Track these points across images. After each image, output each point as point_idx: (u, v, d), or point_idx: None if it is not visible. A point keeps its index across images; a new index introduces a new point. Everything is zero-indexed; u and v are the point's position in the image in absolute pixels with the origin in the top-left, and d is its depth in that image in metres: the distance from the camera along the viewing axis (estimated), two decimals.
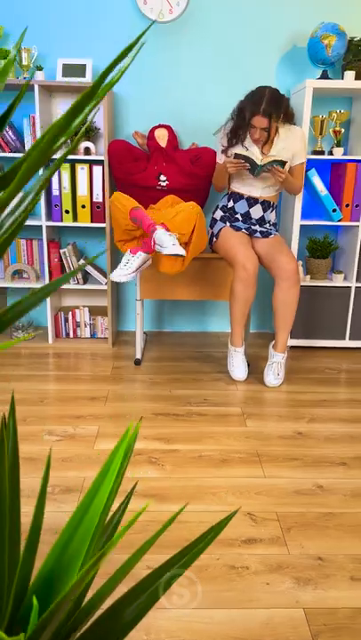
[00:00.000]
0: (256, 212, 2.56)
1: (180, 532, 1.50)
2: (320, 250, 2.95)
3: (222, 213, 2.61)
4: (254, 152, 2.40)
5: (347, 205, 2.80)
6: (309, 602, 1.26)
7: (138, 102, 2.95)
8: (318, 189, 2.78)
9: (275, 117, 2.32)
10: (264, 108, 2.29)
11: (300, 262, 2.97)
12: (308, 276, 2.96)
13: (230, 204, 2.59)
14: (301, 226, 3.02)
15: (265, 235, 2.57)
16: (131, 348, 3.00)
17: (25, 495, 1.66)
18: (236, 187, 2.57)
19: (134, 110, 2.96)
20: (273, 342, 2.58)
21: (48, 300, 2.94)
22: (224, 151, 2.50)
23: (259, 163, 2.32)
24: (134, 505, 1.62)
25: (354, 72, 2.65)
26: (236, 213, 2.58)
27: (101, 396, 2.37)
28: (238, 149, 2.38)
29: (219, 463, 1.85)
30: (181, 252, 2.23)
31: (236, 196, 2.57)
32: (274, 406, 2.32)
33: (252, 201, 2.55)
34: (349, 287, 2.92)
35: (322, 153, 2.81)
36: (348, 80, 2.64)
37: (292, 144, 2.44)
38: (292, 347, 3.03)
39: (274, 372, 2.53)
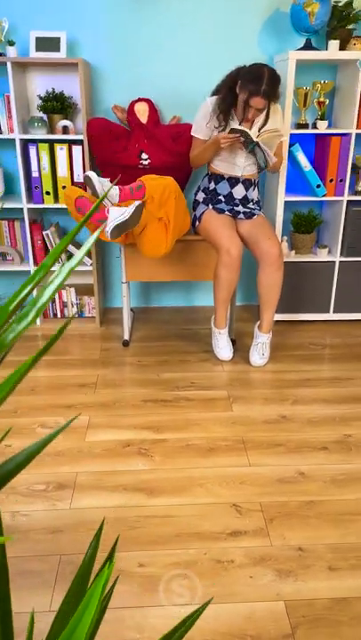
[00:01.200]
0: (238, 191, 2.54)
1: (170, 527, 1.59)
2: (304, 225, 2.94)
3: (204, 195, 2.58)
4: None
5: (331, 180, 2.78)
6: (290, 594, 1.36)
7: (116, 74, 2.84)
8: (302, 165, 2.74)
9: (272, 99, 2.27)
10: (265, 89, 2.22)
11: (285, 237, 2.97)
12: (293, 252, 2.97)
13: (212, 185, 2.56)
14: (286, 201, 2.99)
15: (248, 215, 2.55)
16: (118, 327, 3.03)
17: (17, 492, 1.73)
18: (217, 165, 2.53)
19: (112, 82, 2.86)
20: (258, 322, 2.62)
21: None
22: (221, 130, 2.43)
23: (255, 139, 2.28)
24: (128, 499, 1.70)
25: (338, 41, 2.56)
26: (219, 195, 2.55)
27: (91, 383, 2.42)
28: (234, 125, 2.33)
29: (206, 452, 1.93)
30: (110, 224, 2.27)
31: (218, 177, 2.54)
32: (259, 388, 2.39)
33: (233, 181, 2.52)
34: (334, 262, 2.94)
35: (306, 126, 2.76)
36: (333, 50, 2.56)
37: (272, 123, 2.39)
38: (278, 321, 3.08)
39: (259, 352, 2.58)
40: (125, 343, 2.82)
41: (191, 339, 2.90)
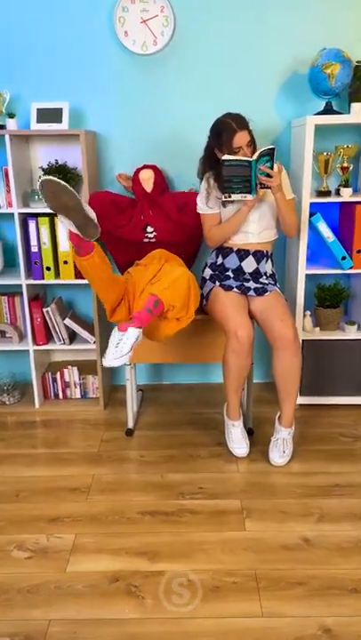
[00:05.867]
0: (249, 265, 2.28)
1: None
2: (330, 299, 2.64)
3: (211, 272, 2.34)
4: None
5: (358, 251, 2.49)
6: None
7: (122, 142, 2.68)
8: (325, 236, 2.47)
9: (249, 128, 2.14)
10: (236, 124, 2.11)
11: (308, 312, 2.67)
12: (318, 328, 2.66)
13: (219, 260, 2.32)
14: (307, 275, 2.67)
15: (260, 292, 2.27)
16: (124, 410, 2.74)
17: None
18: (231, 238, 2.29)
19: (118, 150, 2.70)
20: (278, 414, 2.29)
21: (32, 357, 2.69)
22: (225, 202, 2.22)
23: (252, 158, 2.06)
24: None
25: None
26: (227, 270, 2.30)
27: (84, 486, 2.12)
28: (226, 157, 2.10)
29: (208, 593, 1.59)
30: (111, 363, 1.96)
31: (226, 251, 2.29)
32: (278, 496, 2.04)
33: (242, 253, 2.27)
34: None
35: (328, 194, 2.51)
36: (356, 113, 2.33)
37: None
38: (303, 405, 2.73)
39: (279, 450, 2.24)
40: (129, 432, 2.52)
41: (204, 426, 2.58)
